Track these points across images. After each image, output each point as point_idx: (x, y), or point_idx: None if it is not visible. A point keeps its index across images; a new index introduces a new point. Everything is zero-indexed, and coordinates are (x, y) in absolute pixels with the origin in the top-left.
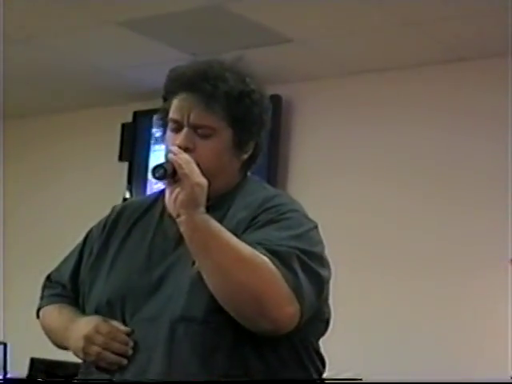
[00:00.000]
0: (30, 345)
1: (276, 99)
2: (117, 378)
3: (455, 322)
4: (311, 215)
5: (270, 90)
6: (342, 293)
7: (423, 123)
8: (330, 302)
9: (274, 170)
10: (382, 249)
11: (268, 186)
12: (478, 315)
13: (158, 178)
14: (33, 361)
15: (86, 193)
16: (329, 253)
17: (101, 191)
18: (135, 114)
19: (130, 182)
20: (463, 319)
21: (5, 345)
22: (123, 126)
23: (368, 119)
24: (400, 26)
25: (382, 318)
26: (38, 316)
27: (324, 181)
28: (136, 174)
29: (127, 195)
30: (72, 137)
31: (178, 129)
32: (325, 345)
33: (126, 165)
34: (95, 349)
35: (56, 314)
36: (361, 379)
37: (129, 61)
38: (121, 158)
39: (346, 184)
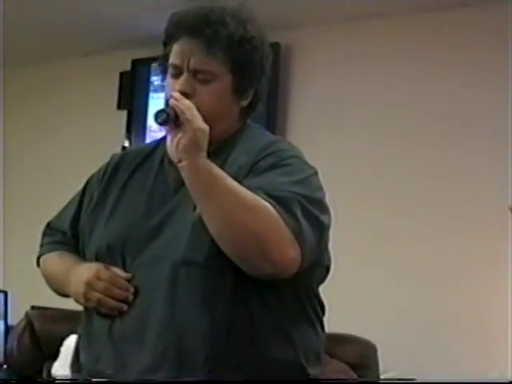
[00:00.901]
0: (31, 293)
1: (275, 46)
2: (117, 323)
3: (455, 277)
4: (312, 163)
5: (269, 38)
6: (342, 245)
7: (428, 74)
8: (332, 253)
9: (272, 118)
10: (381, 199)
11: (268, 133)
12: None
13: (161, 123)
14: (33, 309)
15: (85, 141)
16: (330, 199)
17: (100, 139)
18: (133, 61)
19: (128, 130)
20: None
21: (5, 293)
22: (121, 74)
23: (371, 68)
24: None
25: (382, 276)
26: (38, 264)
27: (323, 130)
28: (135, 123)
29: (126, 143)
30: (70, 85)
31: (177, 74)
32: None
33: (124, 113)
34: (96, 295)
35: (56, 260)
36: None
37: (126, 7)
38: (119, 107)
39: (345, 134)
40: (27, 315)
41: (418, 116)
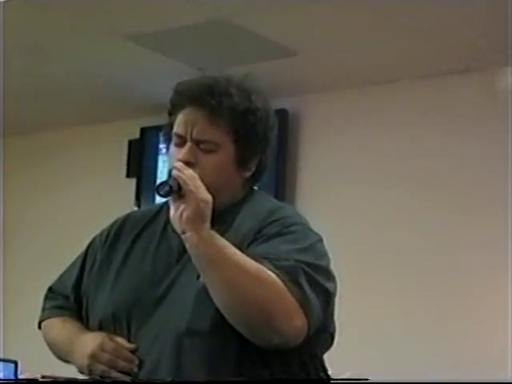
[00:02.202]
0: (41, 361)
1: (282, 113)
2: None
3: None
4: (321, 229)
5: (276, 105)
6: (349, 299)
7: (429, 133)
8: (339, 307)
9: (281, 185)
10: (391, 259)
11: (272, 199)
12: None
13: (163, 195)
14: (43, 378)
15: (94, 209)
16: (336, 265)
17: (109, 208)
18: (142, 129)
19: (138, 197)
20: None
21: (15, 363)
22: (130, 142)
23: (376, 131)
24: (404, 37)
25: (386, 325)
26: (39, 327)
27: (333, 193)
28: (144, 190)
29: None
30: (80, 153)
31: (181, 143)
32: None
33: (133, 181)
34: (100, 367)
35: (59, 327)
36: (368, 379)
37: (135, 75)
38: (128, 175)
39: (355, 196)
40: None
41: (424, 174)
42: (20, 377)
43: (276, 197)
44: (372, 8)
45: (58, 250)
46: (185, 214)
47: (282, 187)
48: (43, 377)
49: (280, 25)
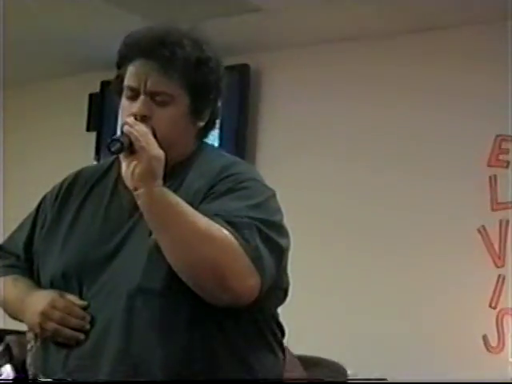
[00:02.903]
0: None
1: (244, 69)
2: (74, 352)
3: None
4: (280, 186)
5: (238, 60)
6: (311, 269)
7: (398, 97)
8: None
9: (242, 140)
10: (352, 225)
11: (225, 154)
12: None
13: (115, 152)
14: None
15: (54, 163)
16: (296, 229)
17: (68, 161)
18: (103, 83)
19: (97, 152)
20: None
21: None
22: (91, 96)
23: (340, 91)
24: None
25: (351, 300)
26: None
27: (293, 154)
28: (104, 144)
29: None
30: (40, 107)
31: (134, 96)
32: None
33: (93, 135)
34: (52, 325)
35: (10, 286)
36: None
37: (95, 29)
38: (88, 129)
39: (316, 158)
40: (6, 341)
41: (384, 139)
42: None
43: (236, 153)
44: None
45: (15, 205)
46: (137, 171)
47: (243, 143)
48: (10, 333)
49: None
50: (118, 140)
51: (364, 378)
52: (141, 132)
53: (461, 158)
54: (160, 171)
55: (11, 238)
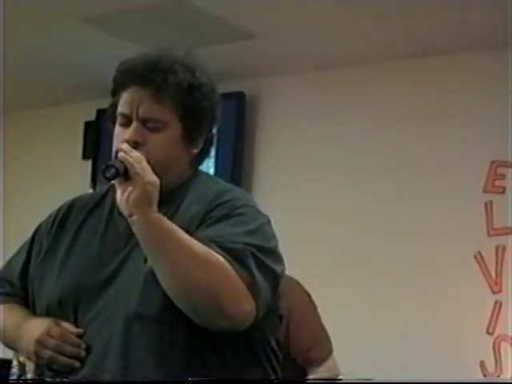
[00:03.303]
0: None
1: (240, 96)
2: (70, 379)
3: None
4: (276, 215)
5: (234, 87)
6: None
7: (395, 123)
8: None
9: (238, 168)
10: (349, 252)
11: (219, 180)
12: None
13: (110, 179)
14: None
15: (50, 190)
16: (291, 256)
17: (64, 189)
18: (98, 111)
19: (93, 180)
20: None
21: None
22: (86, 124)
23: (336, 117)
24: (366, 21)
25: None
26: None
27: (290, 181)
28: (100, 172)
29: None
30: (36, 134)
31: (126, 123)
32: None
33: (89, 163)
34: (47, 352)
35: (5, 314)
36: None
37: (93, 57)
38: (84, 156)
39: (313, 185)
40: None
41: (381, 165)
42: None
43: (233, 180)
44: None
45: (12, 232)
46: (132, 197)
47: (239, 170)
48: None
49: (238, 7)
50: (112, 166)
51: (350, 379)
52: (135, 158)
53: (457, 183)
54: (155, 197)
55: (6, 266)
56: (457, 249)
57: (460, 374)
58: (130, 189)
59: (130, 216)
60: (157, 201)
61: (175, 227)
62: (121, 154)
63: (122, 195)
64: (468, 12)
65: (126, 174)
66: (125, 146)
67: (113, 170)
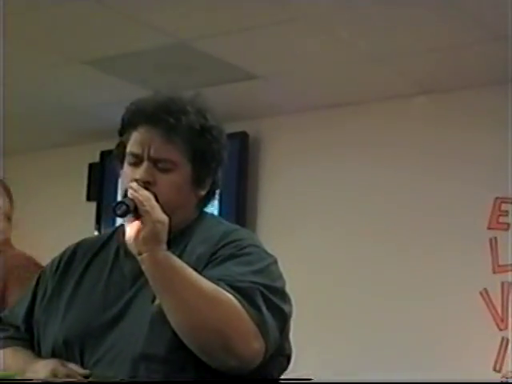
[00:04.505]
0: None
1: (243, 136)
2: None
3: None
4: (281, 253)
5: (237, 127)
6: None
7: (397, 162)
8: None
9: (242, 208)
10: (355, 293)
11: (224, 221)
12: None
13: (120, 215)
14: None
15: (54, 232)
16: (297, 296)
17: (69, 231)
18: (102, 153)
19: (98, 221)
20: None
21: None
22: (90, 165)
23: (340, 157)
24: (366, 61)
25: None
26: None
27: (294, 221)
28: (104, 214)
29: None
30: (40, 176)
31: (137, 163)
32: None
33: (94, 204)
34: None
35: (10, 357)
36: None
37: (96, 100)
38: (89, 198)
39: (317, 226)
40: None
41: (385, 204)
42: None
43: (237, 220)
44: (332, 33)
45: None
46: (141, 235)
47: (243, 211)
48: None
49: (240, 48)
50: (123, 203)
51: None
52: (145, 197)
53: (461, 221)
54: (164, 235)
55: (11, 310)
56: (462, 286)
57: None
58: (139, 227)
59: (139, 254)
60: (166, 239)
61: (184, 265)
62: (131, 192)
63: (131, 233)
64: (467, 50)
65: (135, 212)
66: (134, 185)
67: (123, 207)
